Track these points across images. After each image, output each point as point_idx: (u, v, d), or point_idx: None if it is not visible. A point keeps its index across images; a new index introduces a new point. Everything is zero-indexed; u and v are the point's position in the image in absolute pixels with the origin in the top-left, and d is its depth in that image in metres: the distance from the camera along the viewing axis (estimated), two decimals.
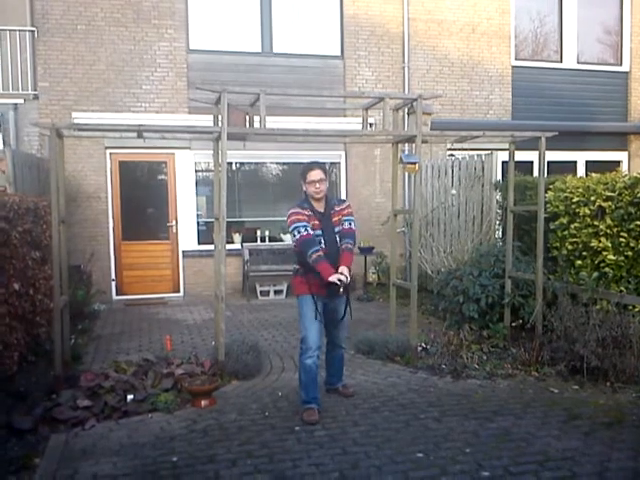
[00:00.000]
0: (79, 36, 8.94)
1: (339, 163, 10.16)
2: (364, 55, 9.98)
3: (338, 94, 7.20)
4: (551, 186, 6.16)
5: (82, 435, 3.96)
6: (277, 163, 10.27)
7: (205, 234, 9.59)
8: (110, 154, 9.26)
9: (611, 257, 5.35)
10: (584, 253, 5.69)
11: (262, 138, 6.16)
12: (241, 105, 5.43)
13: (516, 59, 10.67)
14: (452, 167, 8.11)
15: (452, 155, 9.32)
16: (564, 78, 10.83)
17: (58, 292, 4.93)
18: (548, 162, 6.20)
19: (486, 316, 6.12)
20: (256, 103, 5.29)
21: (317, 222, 4.20)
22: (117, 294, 9.34)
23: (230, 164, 9.52)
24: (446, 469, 3.39)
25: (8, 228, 4.77)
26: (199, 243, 9.63)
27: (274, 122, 6.07)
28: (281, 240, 9.92)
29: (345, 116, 9.67)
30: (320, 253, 4.06)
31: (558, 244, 6.05)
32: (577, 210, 5.75)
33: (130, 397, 4.42)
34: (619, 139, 11.21)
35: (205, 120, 7.42)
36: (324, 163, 4.68)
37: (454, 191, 8.02)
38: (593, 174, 5.90)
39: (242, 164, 10.07)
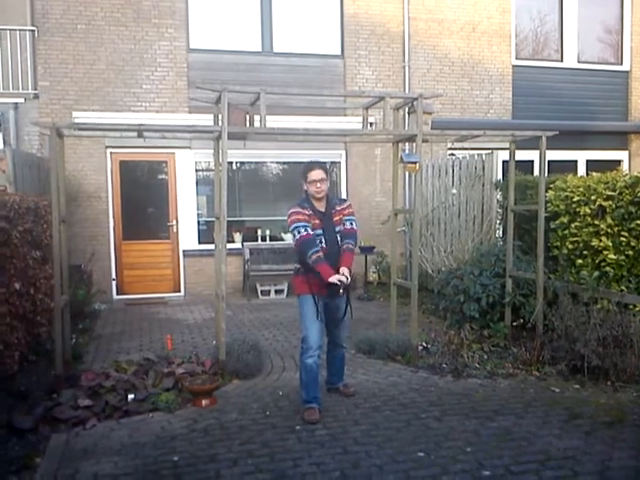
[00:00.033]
0: (79, 35, 8.94)
1: (339, 162, 10.16)
2: (364, 54, 9.97)
3: (338, 93, 7.22)
4: (552, 185, 6.15)
5: (83, 435, 3.96)
6: (277, 162, 10.26)
7: (206, 233, 9.58)
8: (110, 154, 9.26)
9: (612, 256, 5.35)
10: (585, 252, 5.69)
11: (262, 137, 6.16)
12: (241, 104, 5.42)
13: (516, 58, 10.66)
14: (452, 166, 8.11)
15: (452, 154, 9.31)
16: (564, 77, 10.81)
17: (59, 291, 4.93)
18: (549, 161, 6.21)
19: (487, 315, 6.12)
20: (256, 102, 5.30)
21: (318, 221, 4.20)
22: (118, 294, 9.34)
23: (230, 163, 9.52)
24: (447, 468, 3.39)
25: (9, 228, 4.76)
26: (200, 242, 9.63)
27: (274, 121, 6.08)
28: (282, 239, 9.91)
29: (345, 115, 9.65)
30: (320, 254, 4.05)
31: (559, 243, 6.05)
32: (578, 209, 5.75)
33: (131, 396, 4.42)
34: (620, 138, 11.20)
35: (205, 119, 7.41)
36: (325, 162, 4.67)
37: (454, 190, 8.01)
38: (594, 173, 5.89)
39: (242, 163, 10.07)
